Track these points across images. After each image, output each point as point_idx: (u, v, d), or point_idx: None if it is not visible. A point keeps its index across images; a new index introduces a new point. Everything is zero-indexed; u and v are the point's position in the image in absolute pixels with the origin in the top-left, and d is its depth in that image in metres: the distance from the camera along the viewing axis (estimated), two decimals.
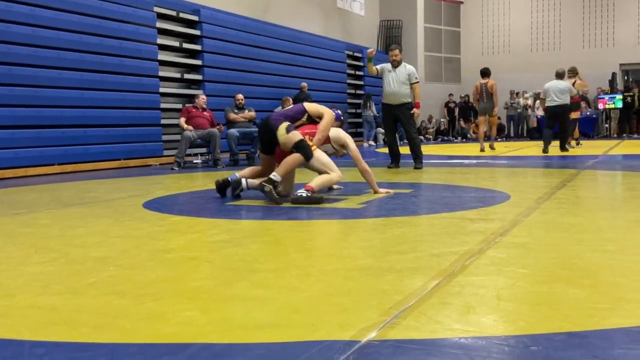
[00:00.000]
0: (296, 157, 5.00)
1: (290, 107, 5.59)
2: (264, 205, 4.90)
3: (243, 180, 5.38)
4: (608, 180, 6.59)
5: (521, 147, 14.22)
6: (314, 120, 5.47)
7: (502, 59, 22.80)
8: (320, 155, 5.22)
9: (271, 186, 4.87)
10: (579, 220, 3.78)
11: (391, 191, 5.46)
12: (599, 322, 1.86)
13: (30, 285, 2.49)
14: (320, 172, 5.19)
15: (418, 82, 8.62)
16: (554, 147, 11.85)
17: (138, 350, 1.72)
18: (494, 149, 12.95)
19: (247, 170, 5.61)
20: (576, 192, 5.29)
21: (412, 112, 8.56)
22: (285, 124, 5.13)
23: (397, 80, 8.49)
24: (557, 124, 11.73)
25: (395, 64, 8.58)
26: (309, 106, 5.50)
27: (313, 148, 5.15)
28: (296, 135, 5.06)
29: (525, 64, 22.04)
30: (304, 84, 15.32)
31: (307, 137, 5.17)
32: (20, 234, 3.78)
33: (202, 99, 10.49)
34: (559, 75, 11.79)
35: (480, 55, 23.37)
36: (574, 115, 12.88)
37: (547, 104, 11.64)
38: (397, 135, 9.25)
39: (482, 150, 12.45)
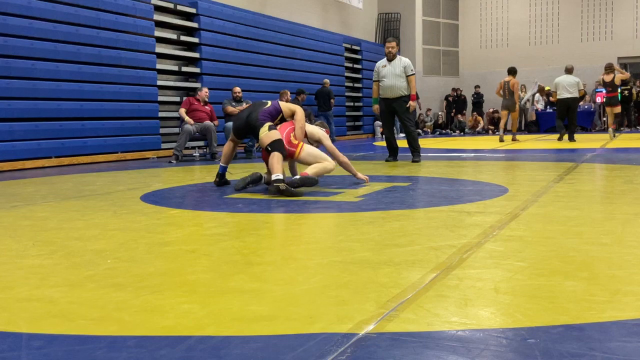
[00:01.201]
0: (275, 154, 5.24)
1: (270, 105, 5.70)
2: (262, 198, 4.90)
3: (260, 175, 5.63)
4: (606, 173, 6.59)
5: (519, 140, 14.22)
6: (284, 120, 5.75)
7: (501, 52, 22.78)
8: (309, 150, 5.57)
9: (283, 184, 4.99)
10: (577, 213, 3.79)
11: (367, 178, 5.82)
12: (597, 315, 1.86)
13: (28, 278, 2.49)
14: (313, 161, 5.52)
15: (414, 74, 8.62)
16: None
17: (136, 342, 1.73)
18: (516, 140, 13.91)
19: (226, 158, 5.90)
20: (574, 185, 5.30)
21: (407, 105, 8.54)
22: (268, 124, 5.45)
23: (393, 74, 8.46)
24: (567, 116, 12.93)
25: (391, 57, 8.56)
26: (283, 106, 5.75)
27: (300, 144, 5.52)
28: (274, 135, 5.36)
29: (524, 57, 22.00)
30: (327, 80, 15.38)
31: (292, 135, 5.51)
32: (18, 227, 3.78)
33: (204, 91, 10.47)
34: (569, 71, 13.01)
35: (479, 49, 23.35)
36: (617, 109, 13.93)
37: (559, 96, 12.87)
38: (394, 128, 9.24)
39: (501, 140, 13.34)
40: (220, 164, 5.91)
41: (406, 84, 8.50)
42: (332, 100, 15.30)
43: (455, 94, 21.71)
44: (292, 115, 5.72)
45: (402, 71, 8.47)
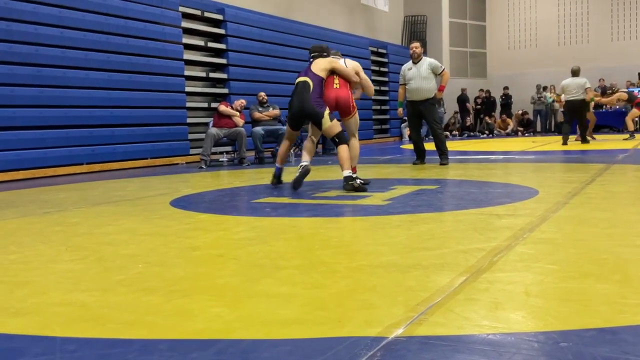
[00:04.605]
0: (343, 147, 5.48)
1: (312, 85, 5.66)
2: (289, 202, 4.91)
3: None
4: (638, 175, 6.47)
5: (549, 142, 14.04)
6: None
7: (529, 53, 22.54)
8: (357, 117, 5.96)
9: (355, 182, 5.30)
10: (608, 215, 3.73)
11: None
12: (630, 318, 1.83)
13: (60, 283, 2.53)
14: (351, 131, 5.91)
15: (444, 68, 8.60)
16: (572, 142, 12.56)
17: (168, 346, 1.74)
18: (590, 140, 13.31)
19: (281, 158, 6.08)
20: (605, 186, 5.21)
21: (434, 103, 8.50)
22: (327, 112, 5.58)
23: (419, 76, 8.40)
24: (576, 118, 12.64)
25: (416, 57, 8.50)
26: (320, 71, 5.77)
27: (355, 111, 5.85)
28: (337, 126, 5.59)
29: (552, 58, 21.74)
30: None
31: (352, 95, 5.82)
32: (50, 233, 3.84)
33: (241, 102, 10.56)
34: (575, 73, 12.61)
35: (507, 50, 23.13)
36: (638, 114, 14.00)
37: (565, 99, 12.59)
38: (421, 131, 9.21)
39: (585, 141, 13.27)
40: (276, 165, 6.06)
41: (432, 86, 8.45)
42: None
43: (484, 95, 21.50)
44: (332, 71, 5.83)
45: (429, 72, 8.40)
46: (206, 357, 1.64)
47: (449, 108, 21.14)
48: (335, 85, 5.81)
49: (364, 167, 8.68)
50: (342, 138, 5.53)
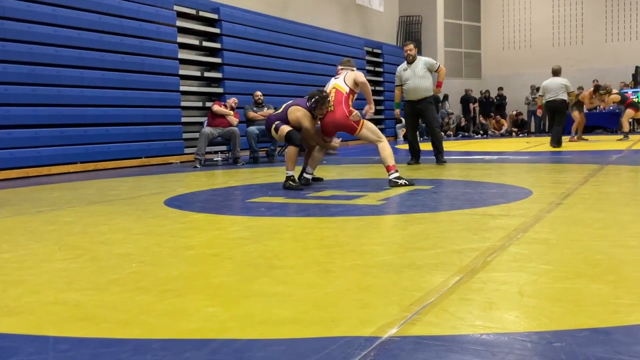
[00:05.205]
0: (291, 149, 5.73)
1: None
2: (283, 202, 4.91)
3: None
4: (632, 175, 6.50)
5: (543, 142, 14.08)
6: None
7: (523, 54, 22.61)
8: (369, 125, 5.96)
9: (289, 182, 5.63)
10: (602, 215, 3.74)
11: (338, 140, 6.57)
12: (623, 318, 1.84)
13: (54, 282, 2.52)
14: (371, 140, 5.97)
15: (439, 64, 8.62)
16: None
17: (161, 346, 1.74)
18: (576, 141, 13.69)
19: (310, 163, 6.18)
20: (599, 187, 5.23)
21: (431, 102, 8.54)
22: (273, 126, 5.80)
23: (415, 76, 8.41)
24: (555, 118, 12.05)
25: (410, 59, 8.52)
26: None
27: (362, 122, 5.86)
28: (284, 130, 5.71)
29: (547, 59, 21.74)
30: None
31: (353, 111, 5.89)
32: (44, 232, 3.83)
33: (234, 100, 10.54)
34: (555, 72, 11.97)
35: (501, 50, 23.19)
36: (634, 114, 13.98)
37: (547, 99, 11.92)
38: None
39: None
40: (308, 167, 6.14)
41: (429, 84, 8.47)
42: None
43: (483, 96, 21.53)
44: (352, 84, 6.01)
45: (425, 71, 8.41)
46: (200, 357, 1.64)
47: (455, 109, 21.23)
48: (329, 108, 5.80)
49: (359, 167, 8.69)
50: (288, 139, 5.72)
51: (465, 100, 21.52)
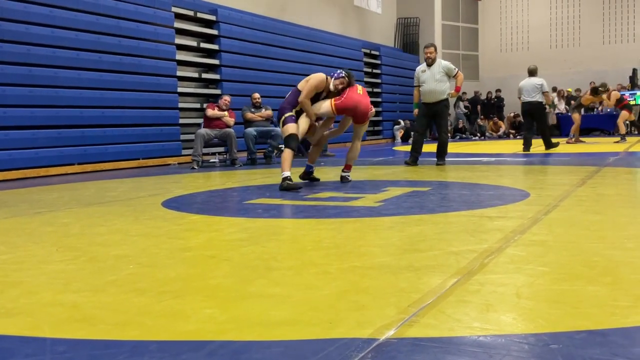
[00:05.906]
0: (287, 151, 5.83)
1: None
2: (281, 204, 4.91)
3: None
4: (629, 177, 6.51)
5: (540, 144, 14.08)
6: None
7: (521, 56, 22.61)
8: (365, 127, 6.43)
9: (285, 182, 5.65)
10: (600, 217, 3.75)
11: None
12: (620, 320, 1.84)
13: (51, 283, 2.52)
14: (358, 135, 6.38)
15: (458, 70, 8.71)
16: (538, 147, 11.66)
17: (158, 347, 1.74)
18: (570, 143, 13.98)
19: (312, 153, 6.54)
20: (596, 189, 5.24)
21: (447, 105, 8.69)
22: (282, 118, 5.94)
23: (432, 79, 8.52)
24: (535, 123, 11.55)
25: (430, 62, 8.61)
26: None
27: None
28: (288, 129, 5.85)
29: (544, 61, 21.79)
30: None
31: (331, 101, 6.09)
32: (41, 233, 3.83)
33: (225, 99, 10.48)
34: (531, 72, 11.48)
35: (499, 52, 23.22)
36: (628, 116, 14.26)
37: (523, 100, 11.41)
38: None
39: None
40: (308, 163, 6.44)
41: (445, 88, 8.57)
42: None
43: (488, 97, 21.52)
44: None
45: (443, 75, 8.53)
46: (198, 358, 1.64)
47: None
48: (359, 91, 6.16)
49: (356, 168, 8.69)
50: (286, 140, 5.88)
51: (474, 102, 21.52)
